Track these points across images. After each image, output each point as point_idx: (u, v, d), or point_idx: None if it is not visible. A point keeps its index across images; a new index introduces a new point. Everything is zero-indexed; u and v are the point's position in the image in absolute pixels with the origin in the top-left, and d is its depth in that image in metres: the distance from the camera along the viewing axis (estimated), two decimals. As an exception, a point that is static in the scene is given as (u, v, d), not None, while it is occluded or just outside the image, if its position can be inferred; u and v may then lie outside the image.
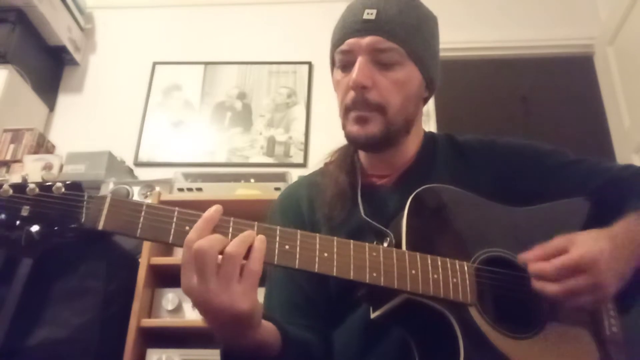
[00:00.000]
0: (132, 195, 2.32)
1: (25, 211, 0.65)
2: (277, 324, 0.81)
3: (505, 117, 4.13)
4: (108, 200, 0.68)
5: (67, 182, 0.69)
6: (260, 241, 0.69)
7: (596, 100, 2.91)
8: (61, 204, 0.67)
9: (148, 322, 1.93)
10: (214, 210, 0.70)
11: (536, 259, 0.80)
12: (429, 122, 2.75)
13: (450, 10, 2.79)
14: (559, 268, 0.77)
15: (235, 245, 0.67)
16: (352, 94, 0.93)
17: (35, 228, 0.66)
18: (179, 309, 1.98)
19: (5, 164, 2.64)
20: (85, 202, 0.68)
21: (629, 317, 0.87)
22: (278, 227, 0.73)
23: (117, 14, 3.34)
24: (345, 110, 0.95)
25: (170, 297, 1.98)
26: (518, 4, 3.16)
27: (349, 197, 0.97)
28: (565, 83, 3.81)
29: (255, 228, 0.71)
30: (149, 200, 2.24)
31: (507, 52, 3.14)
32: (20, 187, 0.66)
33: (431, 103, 2.81)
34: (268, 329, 0.78)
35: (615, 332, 0.84)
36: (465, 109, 3.88)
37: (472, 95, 3.96)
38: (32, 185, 0.67)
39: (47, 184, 0.68)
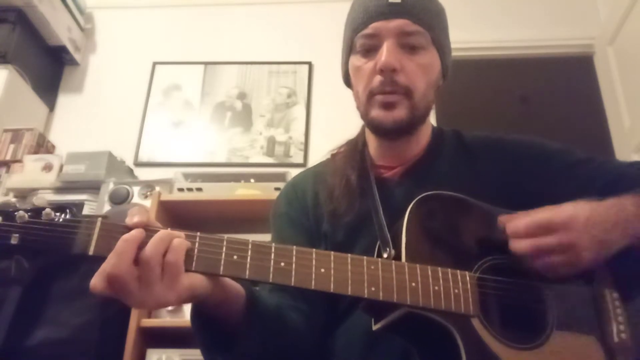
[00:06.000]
0: (132, 195, 2.31)
1: (14, 239, 0.64)
2: (247, 288, 0.77)
3: (505, 117, 4.12)
4: (98, 224, 0.66)
5: (57, 207, 0.67)
6: (179, 240, 0.66)
7: (596, 100, 2.91)
8: (51, 231, 0.65)
9: (148, 322, 1.94)
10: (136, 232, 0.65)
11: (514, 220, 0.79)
12: (428, 122, 2.75)
13: (450, 10, 2.75)
14: (530, 226, 0.77)
15: (149, 249, 0.64)
16: (378, 77, 0.92)
17: (25, 256, 0.64)
18: (179, 309, 1.97)
19: (5, 164, 2.63)
20: (75, 228, 0.65)
21: (637, 319, 0.83)
22: (273, 244, 0.70)
23: (117, 14, 3.34)
24: (370, 95, 0.93)
25: (170, 297, 1.98)
26: (518, 4, 3.16)
27: (357, 192, 0.96)
28: (565, 83, 3.80)
29: (250, 246, 0.69)
30: (148, 201, 2.25)
31: (507, 52, 3.14)
32: (9, 215, 0.65)
33: (431, 103, 2.80)
34: (231, 289, 0.74)
35: (625, 339, 0.81)
36: (465, 109, 3.87)
37: (472, 95, 3.94)
38: (21, 212, 0.65)
39: (37, 209, 0.66)
